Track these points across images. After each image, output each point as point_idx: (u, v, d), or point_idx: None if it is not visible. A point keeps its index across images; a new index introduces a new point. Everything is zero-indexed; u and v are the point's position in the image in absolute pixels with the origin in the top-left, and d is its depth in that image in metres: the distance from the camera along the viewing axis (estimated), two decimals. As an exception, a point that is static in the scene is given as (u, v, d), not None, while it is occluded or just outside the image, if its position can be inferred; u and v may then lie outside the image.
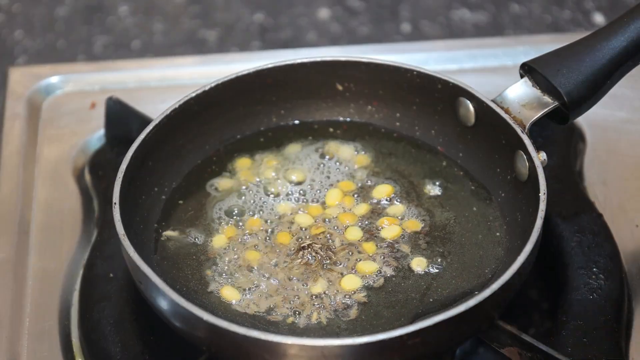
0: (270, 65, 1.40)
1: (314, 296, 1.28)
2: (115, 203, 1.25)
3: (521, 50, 1.63)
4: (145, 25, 1.85)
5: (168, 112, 1.37)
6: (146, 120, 1.45)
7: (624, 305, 1.33)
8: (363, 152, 1.44)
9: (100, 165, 1.52)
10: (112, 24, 1.85)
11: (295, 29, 1.83)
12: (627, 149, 1.52)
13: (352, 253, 1.33)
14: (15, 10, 1.87)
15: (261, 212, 1.38)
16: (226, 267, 1.32)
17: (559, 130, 1.50)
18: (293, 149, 1.45)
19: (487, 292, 1.17)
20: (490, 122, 1.35)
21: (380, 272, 1.31)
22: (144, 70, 1.65)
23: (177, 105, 1.37)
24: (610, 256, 1.36)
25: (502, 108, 1.33)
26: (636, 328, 1.32)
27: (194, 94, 1.39)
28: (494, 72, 1.62)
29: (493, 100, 1.34)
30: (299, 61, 1.43)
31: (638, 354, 1.30)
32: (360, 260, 1.31)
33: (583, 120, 1.52)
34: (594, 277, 1.33)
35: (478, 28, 1.81)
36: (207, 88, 1.39)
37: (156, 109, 1.52)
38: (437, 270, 1.30)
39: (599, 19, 1.81)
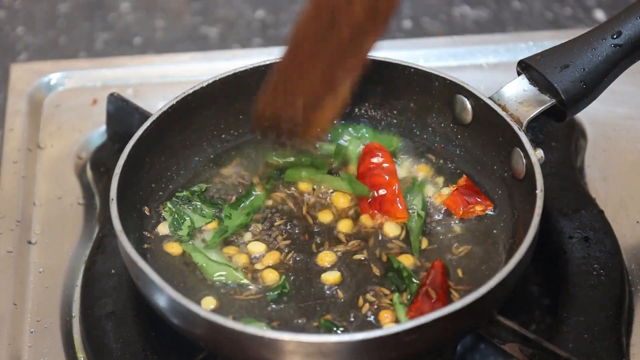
0: (267, 62, 1.40)
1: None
2: (112, 199, 1.26)
3: (522, 46, 1.63)
4: (146, 21, 1.85)
5: (165, 108, 1.37)
6: (147, 117, 1.45)
7: (625, 301, 1.33)
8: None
9: (101, 162, 1.52)
10: (114, 21, 1.85)
11: (296, 25, 1.83)
12: (628, 145, 1.52)
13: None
14: (17, 7, 1.87)
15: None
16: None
17: (559, 127, 1.50)
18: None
19: (483, 289, 1.17)
20: (488, 119, 1.34)
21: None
22: (146, 66, 1.65)
23: (174, 102, 1.37)
24: (611, 252, 1.36)
25: (499, 105, 1.33)
26: (637, 324, 1.33)
27: (191, 91, 1.38)
28: (495, 68, 1.62)
29: (490, 98, 1.34)
30: (295, 58, 1.42)
31: (639, 350, 1.30)
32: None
33: (584, 117, 1.52)
34: (594, 273, 1.33)
35: (479, 24, 1.81)
36: (204, 85, 1.39)
37: (157, 105, 1.52)
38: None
39: (600, 15, 1.81)
